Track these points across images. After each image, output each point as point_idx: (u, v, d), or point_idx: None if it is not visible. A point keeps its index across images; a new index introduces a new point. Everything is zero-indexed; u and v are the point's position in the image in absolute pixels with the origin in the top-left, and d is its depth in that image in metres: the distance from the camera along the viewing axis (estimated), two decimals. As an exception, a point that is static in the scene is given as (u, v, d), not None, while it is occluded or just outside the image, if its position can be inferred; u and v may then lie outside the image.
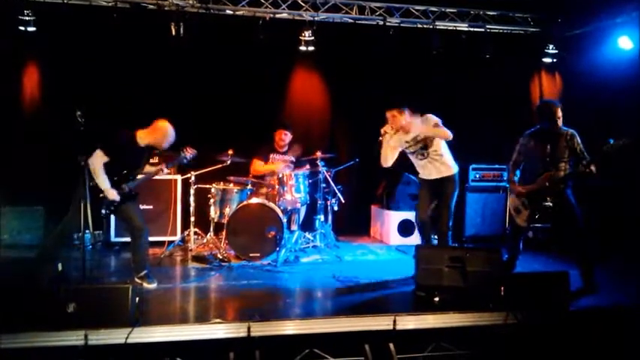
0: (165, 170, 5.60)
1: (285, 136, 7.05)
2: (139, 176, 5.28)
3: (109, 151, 4.94)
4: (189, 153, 5.59)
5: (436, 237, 5.82)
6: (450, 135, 5.48)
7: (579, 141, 5.16)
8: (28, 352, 3.78)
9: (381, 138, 5.53)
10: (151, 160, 6.15)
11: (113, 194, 4.99)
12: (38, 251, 5.60)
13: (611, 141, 4.76)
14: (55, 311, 3.90)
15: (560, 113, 5.22)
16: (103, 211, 5.08)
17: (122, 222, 5.37)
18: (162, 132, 5.23)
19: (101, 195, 4.98)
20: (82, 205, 4.56)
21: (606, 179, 5.28)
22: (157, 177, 6.91)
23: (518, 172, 5.45)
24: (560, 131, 5.22)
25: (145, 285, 5.11)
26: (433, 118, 5.55)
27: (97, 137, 4.85)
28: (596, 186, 5.66)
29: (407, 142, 5.62)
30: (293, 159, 7.09)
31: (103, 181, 4.94)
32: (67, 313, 3.89)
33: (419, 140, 5.59)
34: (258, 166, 6.99)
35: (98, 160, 4.92)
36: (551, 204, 5.13)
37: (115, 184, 5.02)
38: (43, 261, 4.91)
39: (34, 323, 3.85)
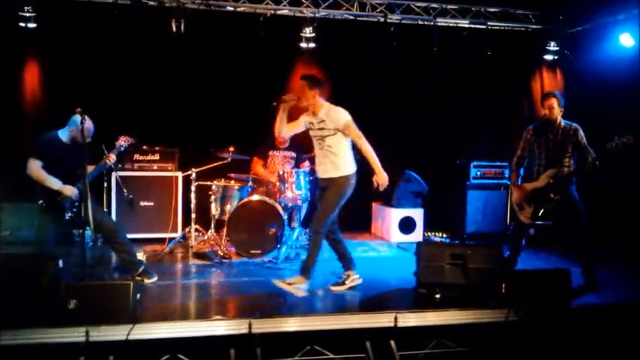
0: (112, 159, 5.21)
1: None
2: (89, 171, 4.98)
3: (38, 155, 4.85)
4: (123, 141, 5.32)
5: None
6: (358, 136, 5.06)
7: (583, 135, 5.14)
8: (29, 348, 3.77)
9: (274, 103, 5.11)
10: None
11: (70, 189, 4.88)
12: (39, 248, 5.58)
13: (616, 138, 4.74)
14: (56, 308, 3.90)
15: (554, 103, 5.16)
16: (68, 216, 4.95)
17: (95, 230, 5.20)
18: (74, 124, 4.98)
19: (59, 198, 4.88)
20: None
21: (609, 177, 5.27)
22: (158, 174, 7.01)
23: (521, 170, 5.44)
24: (562, 126, 5.21)
25: (146, 280, 5.11)
26: (342, 116, 5.06)
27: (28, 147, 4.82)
28: (599, 183, 5.65)
29: (311, 122, 5.17)
30: (294, 155, 7.08)
31: (53, 182, 4.84)
32: (68, 309, 3.89)
33: (321, 127, 5.10)
34: (258, 167, 6.98)
35: (34, 167, 4.83)
36: (556, 199, 5.12)
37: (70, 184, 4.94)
38: (43, 257, 4.90)
39: (35, 320, 3.85)
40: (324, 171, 5.17)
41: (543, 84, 8.41)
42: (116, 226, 5.22)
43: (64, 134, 5.01)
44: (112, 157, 5.21)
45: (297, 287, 4.95)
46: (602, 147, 4.88)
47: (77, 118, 4.80)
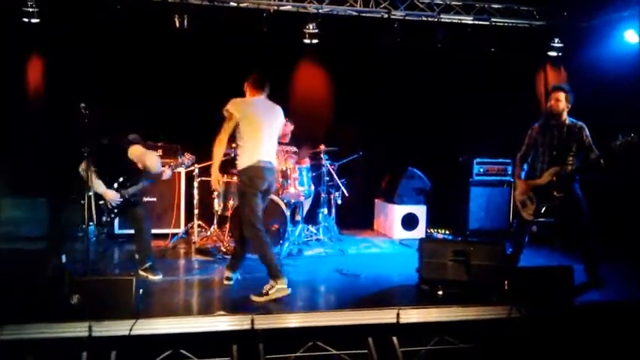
0: (167, 175, 5.54)
1: (287, 126, 7.05)
2: (140, 183, 5.25)
3: (96, 163, 4.93)
4: (187, 159, 5.68)
5: None
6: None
7: (588, 134, 5.12)
8: (33, 343, 3.79)
9: None
10: None
11: (112, 195, 5.03)
12: (42, 243, 5.63)
13: (620, 137, 4.72)
14: (59, 303, 3.91)
15: (560, 96, 5.14)
16: (104, 218, 5.14)
17: (128, 218, 5.39)
18: (151, 162, 5.26)
19: (101, 202, 5.01)
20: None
21: (612, 175, 5.25)
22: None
23: (525, 166, 5.42)
24: (567, 123, 5.19)
25: (150, 277, 5.13)
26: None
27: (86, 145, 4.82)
28: (601, 181, 5.64)
29: None
30: (296, 149, 7.09)
31: (98, 186, 4.97)
32: (71, 304, 3.90)
33: None
34: None
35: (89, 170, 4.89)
36: (559, 197, 5.11)
37: (115, 189, 5.08)
38: (47, 252, 4.92)
39: (39, 315, 3.87)
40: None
41: (547, 80, 8.39)
42: (147, 221, 5.30)
43: (132, 155, 5.20)
44: (168, 173, 5.46)
45: (277, 290, 4.71)
46: (606, 145, 4.87)
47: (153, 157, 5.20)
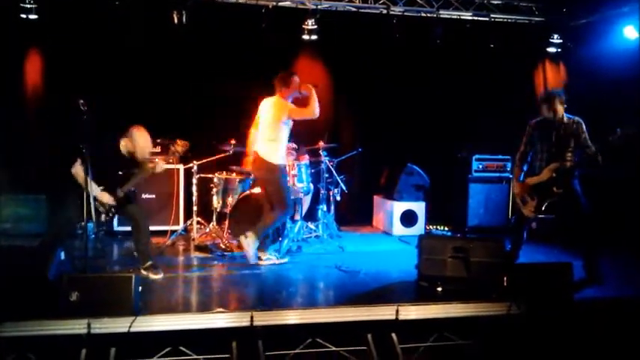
0: (160, 168, 5.40)
1: None
2: (133, 180, 5.18)
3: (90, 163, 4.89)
4: (180, 146, 5.49)
5: None
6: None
7: (585, 129, 5.14)
8: (32, 340, 3.78)
9: (309, 87, 5.70)
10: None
11: (107, 197, 4.98)
12: (41, 240, 5.60)
13: (618, 130, 4.73)
14: (58, 300, 3.90)
15: (557, 104, 5.18)
16: (103, 218, 5.09)
17: (125, 215, 5.36)
18: (136, 141, 5.14)
19: (97, 203, 4.93)
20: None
21: (612, 169, 5.26)
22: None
23: (525, 167, 5.43)
24: (565, 120, 5.20)
25: (151, 276, 5.10)
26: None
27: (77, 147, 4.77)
28: (601, 176, 5.64)
29: None
30: (295, 145, 7.08)
31: (93, 188, 4.82)
32: (70, 301, 3.89)
33: None
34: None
35: (81, 170, 4.85)
36: (558, 193, 5.12)
37: (106, 190, 5.01)
38: (45, 250, 4.91)
39: (37, 312, 3.86)
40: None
41: (546, 77, 8.37)
42: (145, 219, 5.25)
43: (124, 147, 5.12)
44: (161, 166, 5.31)
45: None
46: (604, 140, 4.87)
47: (141, 133, 5.04)
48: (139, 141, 5.13)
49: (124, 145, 5.14)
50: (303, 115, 5.66)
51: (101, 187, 4.97)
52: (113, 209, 5.11)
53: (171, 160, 5.52)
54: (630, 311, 4.51)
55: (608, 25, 7.21)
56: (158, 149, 7.05)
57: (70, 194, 4.96)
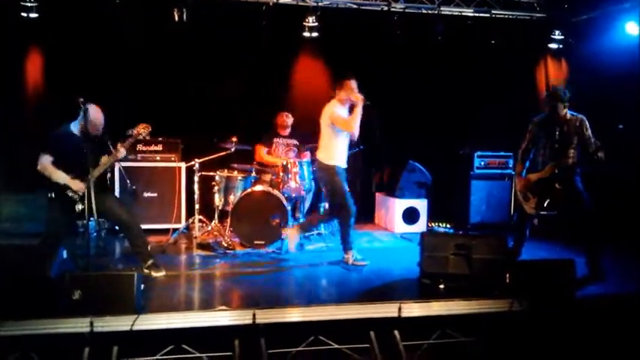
0: (122, 153, 5.06)
1: (287, 119, 7.06)
2: (101, 164, 4.98)
3: (49, 150, 4.85)
4: (141, 129, 5.16)
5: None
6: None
7: (588, 126, 5.13)
8: (34, 339, 3.78)
9: (358, 102, 5.56)
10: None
11: (77, 184, 4.87)
12: (40, 240, 5.60)
13: (621, 127, 4.72)
14: (61, 298, 3.91)
15: (561, 102, 5.17)
16: (79, 208, 4.92)
17: (110, 220, 5.28)
18: (85, 114, 4.87)
19: (69, 193, 4.87)
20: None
21: (614, 166, 5.25)
22: (161, 164, 6.99)
23: (527, 163, 5.42)
24: (568, 117, 5.19)
25: (154, 274, 5.09)
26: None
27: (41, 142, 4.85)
28: (604, 173, 5.63)
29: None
30: (297, 142, 7.09)
31: (60, 177, 4.84)
32: (73, 300, 3.90)
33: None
34: (262, 153, 7.00)
35: (44, 162, 4.85)
36: (561, 190, 5.11)
37: (76, 179, 4.90)
38: (47, 248, 4.91)
39: (40, 310, 3.86)
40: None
41: (548, 73, 8.36)
42: (132, 216, 5.20)
43: (75, 127, 4.99)
44: (122, 151, 5.07)
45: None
46: (607, 136, 4.87)
47: (87, 109, 4.81)
48: (90, 114, 4.86)
49: (76, 124, 4.99)
50: (341, 126, 5.58)
51: (70, 175, 4.87)
52: (84, 198, 4.87)
53: (133, 142, 5.22)
54: (632, 308, 4.50)
55: (610, 20, 7.19)
56: (160, 147, 7.08)
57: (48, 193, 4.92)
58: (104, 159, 4.98)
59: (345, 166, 5.82)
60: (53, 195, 4.89)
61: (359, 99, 5.51)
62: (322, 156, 5.74)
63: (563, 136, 5.17)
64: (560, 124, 5.19)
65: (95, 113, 4.90)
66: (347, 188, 5.75)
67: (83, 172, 4.84)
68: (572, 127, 5.16)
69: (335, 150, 5.71)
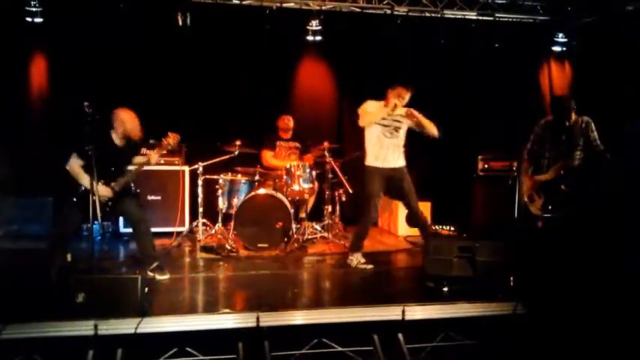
0: (154, 160, 5.27)
1: (289, 122, 7.07)
2: (128, 172, 5.12)
3: (81, 153, 4.86)
4: (171, 139, 5.29)
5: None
6: (437, 133, 5.66)
7: (594, 128, 5.13)
8: (38, 342, 3.80)
9: (386, 103, 5.60)
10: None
11: (103, 190, 4.90)
12: (47, 242, 5.62)
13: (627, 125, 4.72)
14: (65, 301, 3.91)
15: (567, 110, 5.20)
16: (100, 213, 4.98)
17: (125, 217, 5.34)
18: (123, 121, 5.10)
19: (94, 197, 4.90)
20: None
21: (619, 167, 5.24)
22: (165, 168, 7.00)
23: (532, 164, 5.42)
24: (574, 119, 5.19)
25: (158, 277, 5.10)
26: (415, 113, 5.65)
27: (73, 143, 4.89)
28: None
29: (389, 114, 5.61)
30: (299, 145, 7.10)
31: (86, 180, 4.85)
32: (77, 303, 3.90)
33: (397, 120, 5.66)
34: (269, 158, 7.02)
35: (73, 164, 4.90)
36: (567, 191, 5.12)
37: (104, 184, 4.96)
38: (52, 251, 4.93)
39: (44, 313, 3.87)
40: (394, 159, 5.68)
41: (551, 76, 8.36)
42: (144, 217, 5.22)
43: (115, 135, 5.10)
44: (156, 158, 5.22)
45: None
46: (612, 138, 4.87)
47: (124, 113, 5.03)
48: (124, 118, 5.06)
49: (116, 132, 5.09)
50: (360, 118, 5.65)
51: (101, 181, 4.87)
52: (110, 203, 5.01)
53: (164, 152, 5.35)
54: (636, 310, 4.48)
55: (613, 23, 7.17)
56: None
57: (71, 195, 4.95)
58: (137, 160, 5.15)
59: (383, 166, 5.66)
60: (75, 199, 4.91)
61: (391, 102, 5.54)
62: (364, 156, 5.78)
63: (569, 138, 5.17)
64: (566, 125, 5.19)
65: (130, 118, 5.07)
66: (375, 192, 5.65)
67: (112, 179, 4.97)
68: (578, 128, 5.16)
69: (367, 148, 5.73)
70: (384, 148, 5.64)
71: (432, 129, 5.65)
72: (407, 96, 5.59)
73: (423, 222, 5.78)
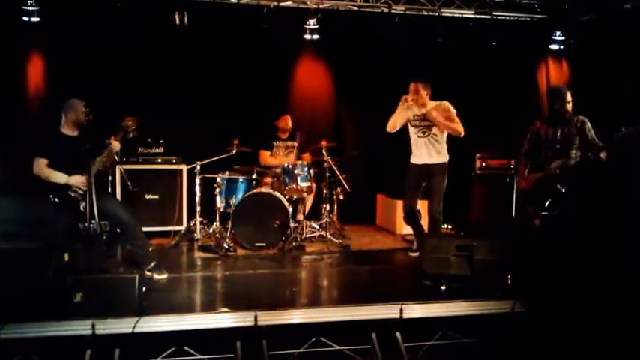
0: (116, 147, 5.02)
1: (288, 122, 7.07)
2: (97, 162, 4.90)
3: (42, 153, 4.83)
4: (129, 122, 5.07)
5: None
6: (461, 131, 5.75)
7: (590, 127, 5.14)
8: (36, 341, 3.79)
9: (399, 102, 5.73)
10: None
11: (77, 179, 4.81)
12: (45, 241, 5.60)
13: (623, 128, 4.72)
14: (62, 301, 3.91)
15: (569, 97, 5.20)
16: (82, 206, 4.87)
17: (111, 222, 5.26)
18: (70, 107, 4.92)
19: (70, 191, 4.85)
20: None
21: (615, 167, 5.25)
22: (162, 167, 6.99)
23: (529, 163, 5.43)
24: (570, 117, 5.20)
25: (156, 277, 5.09)
26: (448, 108, 5.79)
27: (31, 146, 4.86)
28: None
29: (416, 115, 5.82)
30: (296, 144, 7.11)
31: (59, 177, 4.81)
32: (74, 302, 3.90)
33: (427, 119, 5.81)
34: (267, 157, 7.02)
35: (41, 166, 4.83)
36: (563, 190, 5.12)
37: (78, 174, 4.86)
38: (49, 251, 4.91)
39: (42, 313, 3.87)
40: (429, 156, 5.86)
41: (549, 74, 8.36)
42: (132, 218, 5.17)
43: (64, 125, 4.95)
44: (116, 144, 5.01)
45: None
46: (609, 138, 4.87)
47: (67, 101, 4.84)
48: (70, 104, 4.90)
49: (67, 123, 4.95)
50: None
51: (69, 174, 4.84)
52: (86, 195, 4.79)
53: (126, 137, 5.21)
54: (636, 309, 4.49)
55: (611, 21, 7.18)
56: (161, 150, 7.09)
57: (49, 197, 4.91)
58: (103, 155, 4.93)
59: (417, 162, 5.94)
60: (57, 200, 4.86)
61: (403, 99, 5.74)
62: None
63: (565, 137, 5.18)
64: (562, 125, 5.20)
65: (76, 103, 4.87)
66: (407, 186, 5.96)
67: (81, 170, 4.80)
68: (574, 128, 5.17)
69: (414, 147, 5.97)
70: (419, 147, 5.90)
71: (452, 128, 5.77)
72: (418, 90, 5.78)
73: (431, 223, 5.86)
